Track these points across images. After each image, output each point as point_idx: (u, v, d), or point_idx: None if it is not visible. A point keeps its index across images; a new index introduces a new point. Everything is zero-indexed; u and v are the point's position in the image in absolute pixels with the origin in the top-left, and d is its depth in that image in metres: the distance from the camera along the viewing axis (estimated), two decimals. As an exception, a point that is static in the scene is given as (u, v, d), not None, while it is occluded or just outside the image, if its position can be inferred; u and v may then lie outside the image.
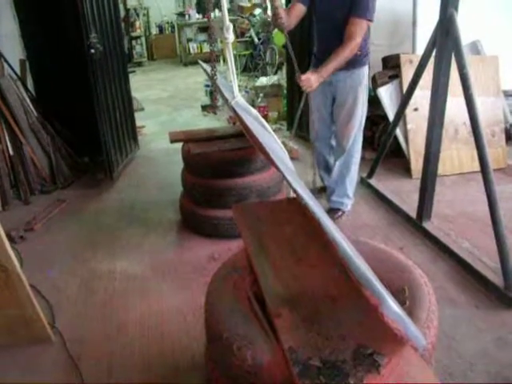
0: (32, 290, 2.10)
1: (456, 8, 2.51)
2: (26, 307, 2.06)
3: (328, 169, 3.26)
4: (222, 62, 7.98)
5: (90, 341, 2.16)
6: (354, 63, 2.80)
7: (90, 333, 2.21)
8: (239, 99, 2.49)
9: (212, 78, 2.49)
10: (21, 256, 2.70)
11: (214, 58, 2.48)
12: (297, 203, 1.86)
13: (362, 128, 3.03)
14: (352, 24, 2.60)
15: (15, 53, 3.94)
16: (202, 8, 10.18)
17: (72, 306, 2.43)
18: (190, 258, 2.78)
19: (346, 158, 3.03)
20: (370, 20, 2.64)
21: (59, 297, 2.47)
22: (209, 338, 1.44)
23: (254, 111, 2.51)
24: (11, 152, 3.64)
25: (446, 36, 2.56)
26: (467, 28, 2.98)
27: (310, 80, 2.62)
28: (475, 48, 4.07)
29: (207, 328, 1.42)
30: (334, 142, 3.18)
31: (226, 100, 2.53)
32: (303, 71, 2.71)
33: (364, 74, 2.88)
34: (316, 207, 1.31)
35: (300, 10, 2.80)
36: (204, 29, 10.22)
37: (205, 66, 3.38)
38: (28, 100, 3.88)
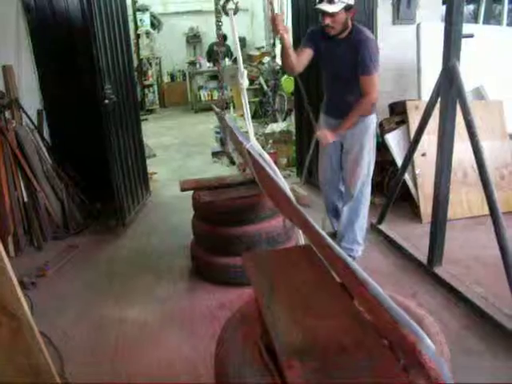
0: (42, 337, 2.09)
1: (458, 58, 2.59)
2: (35, 356, 2.04)
3: (337, 214, 3.28)
4: (232, 108, 8.19)
5: (99, 391, 2.13)
6: None
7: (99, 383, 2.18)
8: (254, 143, 2.55)
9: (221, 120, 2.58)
10: (32, 303, 2.71)
11: (223, 105, 2.60)
12: (306, 251, 1.87)
13: (371, 174, 3.06)
14: (364, 83, 2.73)
15: (33, 104, 4.10)
16: (212, 57, 10.55)
17: (82, 354, 2.41)
18: (200, 306, 2.77)
19: (354, 203, 3.05)
20: (377, 71, 2.74)
21: (69, 345, 2.46)
22: (219, 390, 1.43)
23: (267, 157, 2.57)
24: (26, 199, 3.72)
25: (449, 85, 2.63)
26: (470, 74, 3.07)
27: (327, 136, 2.84)
28: (479, 94, 4.15)
29: (217, 380, 1.41)
30: (343, 188, 3.22)
31: (239, 143, 2.58)
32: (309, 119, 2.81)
33: (370, 122, 2.94)
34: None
35: (309, 53, 2.89)
36: (214, 77, 10.55)
37: (218, 110, 3.48)
38: (44, 148, 4.00)
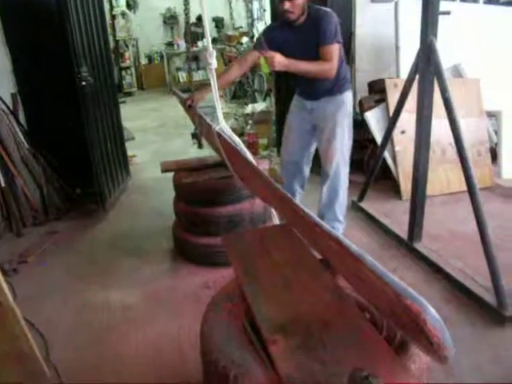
0: (26, 323, 2.08)
1: (435, 35, 2.60)
2: (20, 342, 2.04)
3: (291, 192, 3.19)
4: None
5: (86, 375, 2.13)
6: (332, 89, 2.86)
7: (85, 367, 2.19)
8: (223, 125, 2.51)
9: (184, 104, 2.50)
10: (14, 289, 2.69)
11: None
12: (284, 230, 1.89)
13: (349, 152, 3.03)
14: (322, 52, 2.67)
15: (7, 87, 3.98)
16: (186, 38, 10.37)
17: (67, 339, 2.41)
18: (184, 287, 2.78)
19: (332, 182, 3.02)
20: (339, 42, 2.70)
21: (53, 330, 2.45)
22: (205, 367, 1.45)
23: (237, 139, 2.53)
24: (3, 184, 3.65)
25: (427, 62, 2.64)
26: (448, 52, 3.08)
27: (276, 58, 2.62)
28: (457, 71, 4.18)
29: (203, 357, 1.43)
30: (306, 173, 3.22)
31: (208, 126, 2.54)
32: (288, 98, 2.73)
33: (344, 99, 2.90)
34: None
35: (256, 57, 2.90)
36: (193, 58, 10.39)
37: (182, 95, 3.41)
38: (20, 133, 3.91)
